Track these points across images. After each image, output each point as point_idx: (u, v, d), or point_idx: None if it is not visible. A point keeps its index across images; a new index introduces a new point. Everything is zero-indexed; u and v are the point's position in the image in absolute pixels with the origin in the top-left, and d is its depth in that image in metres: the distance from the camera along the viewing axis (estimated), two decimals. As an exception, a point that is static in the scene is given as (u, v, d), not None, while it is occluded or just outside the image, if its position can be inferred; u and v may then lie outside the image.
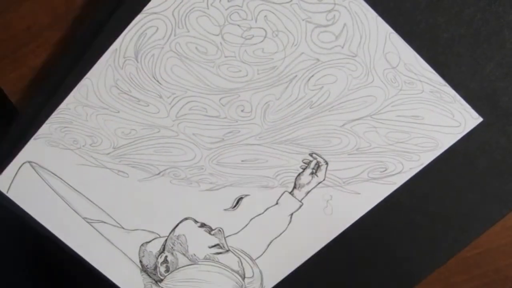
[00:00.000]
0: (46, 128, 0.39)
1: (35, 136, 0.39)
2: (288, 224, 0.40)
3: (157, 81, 0.37)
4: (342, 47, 0.34)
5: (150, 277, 0.44)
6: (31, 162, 0.41)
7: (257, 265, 0.42)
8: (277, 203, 0.40)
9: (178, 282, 0.43)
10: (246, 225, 0.41)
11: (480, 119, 0.35)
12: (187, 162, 0.39)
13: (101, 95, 0.37)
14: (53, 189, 0.41)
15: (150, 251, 0.43)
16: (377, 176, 0.38)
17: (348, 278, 0.41)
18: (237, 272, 0.42)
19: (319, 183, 0.39)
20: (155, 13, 0.35)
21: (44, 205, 0.42)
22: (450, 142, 0.36)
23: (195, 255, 0.42)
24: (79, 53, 0.37)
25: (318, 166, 0.38)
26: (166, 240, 0.42)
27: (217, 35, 0.35)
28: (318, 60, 0.35)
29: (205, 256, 0.42)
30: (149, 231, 0.42)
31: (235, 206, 0.40)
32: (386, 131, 0.36)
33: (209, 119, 0.38)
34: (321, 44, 0.34)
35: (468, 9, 0.33)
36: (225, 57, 0.35)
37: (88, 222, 0.42)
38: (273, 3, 0.34)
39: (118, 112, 0.38)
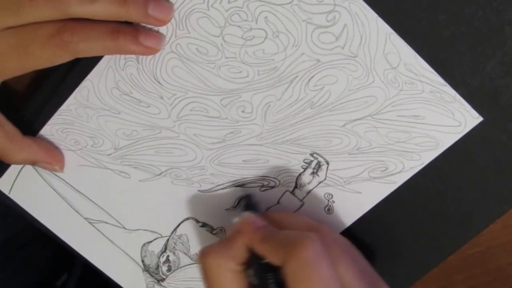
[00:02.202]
0: (47, 130, 0.39)
1: (36, 137, 0.39)
2: (290, 223, 0.41)
3: (158, 82, 0.37)
4: (343, 48, 0.34)
5: (152, 276, 0.44)
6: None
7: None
8: (278, 203, 0.40)
9: (180, 281, 0.44)
10: (248, 224, 0.41)
11: (481, 119, 0.35)
12: (188, 163, 0.39)
13: (102, 96, 0.37)
14: (55, 190, 0.41)
15: (152, 251, 0.43)
16: (378, 175, 0.38)
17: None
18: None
19: (320, 182, 0.39)
20: (155, 14, 0.34)
21: (46, 206, 0.42)
22: (450, 141, 0.36)
23: (197, 254, 0.43)
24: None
25: (319, 166, 0.38)
26: (168, 240, 0.42)
27: (218, 36, 0.35)
28: (318, 60, 0.35)
29: (207, 255, 0.42)
30: (150, 231, 0.42)
31: (236, 206, 0.40)
32: (386, 131, 0.36)
33: (210, 120, 0.38)
34: (322, 45, 0.34)
35: (469, 7, 0.32)
36: (226, 58, 0.35)
37: (90, 223, 0.42)
38: (274, 4, 0.33)
39: (119, 113, 0.38)
